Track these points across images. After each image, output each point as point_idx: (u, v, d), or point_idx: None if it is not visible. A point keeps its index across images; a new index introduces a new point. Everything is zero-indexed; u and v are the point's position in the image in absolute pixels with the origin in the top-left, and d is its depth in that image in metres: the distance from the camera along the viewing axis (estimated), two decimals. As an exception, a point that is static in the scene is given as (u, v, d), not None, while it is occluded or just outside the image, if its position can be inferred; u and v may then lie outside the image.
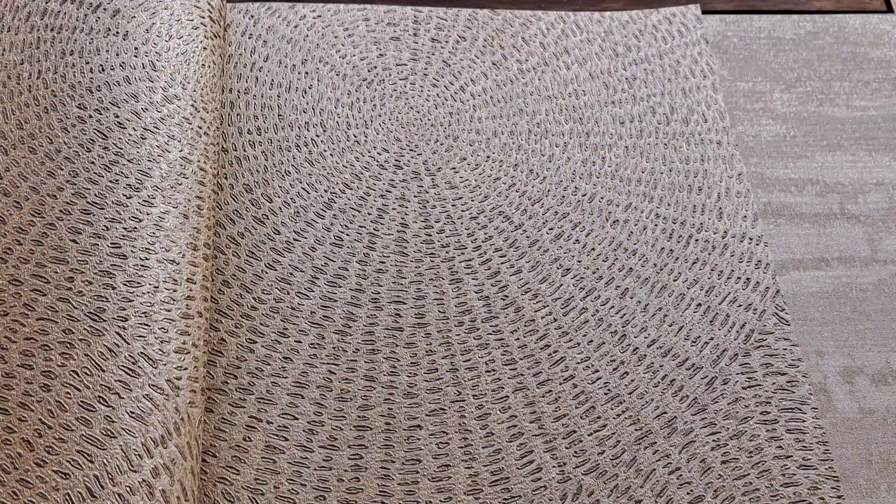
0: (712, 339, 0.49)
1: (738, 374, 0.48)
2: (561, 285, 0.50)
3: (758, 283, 0.50)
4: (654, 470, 0.45)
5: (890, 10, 0.62)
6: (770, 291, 0.50)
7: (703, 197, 0.53)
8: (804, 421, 0.47)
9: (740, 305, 0.49)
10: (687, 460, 0.45)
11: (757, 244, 0.51)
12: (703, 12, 0.61)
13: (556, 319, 0.49)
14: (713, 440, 0.46)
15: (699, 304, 0.49)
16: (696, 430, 0.46)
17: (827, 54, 0.60)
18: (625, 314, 0.49)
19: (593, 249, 0.51)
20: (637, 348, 0.48)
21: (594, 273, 0.50)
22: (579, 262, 0.51)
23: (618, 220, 0.52)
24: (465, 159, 0.54)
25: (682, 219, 0.52)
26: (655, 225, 0.52)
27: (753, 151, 0.56)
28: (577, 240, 0.51)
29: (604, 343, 0.48)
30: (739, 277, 0.50)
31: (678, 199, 0.53)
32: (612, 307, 0.49)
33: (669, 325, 0.49)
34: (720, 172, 0.53)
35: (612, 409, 0.47)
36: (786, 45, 0.60)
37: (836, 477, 0.45)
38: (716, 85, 0.57)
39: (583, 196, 0.53)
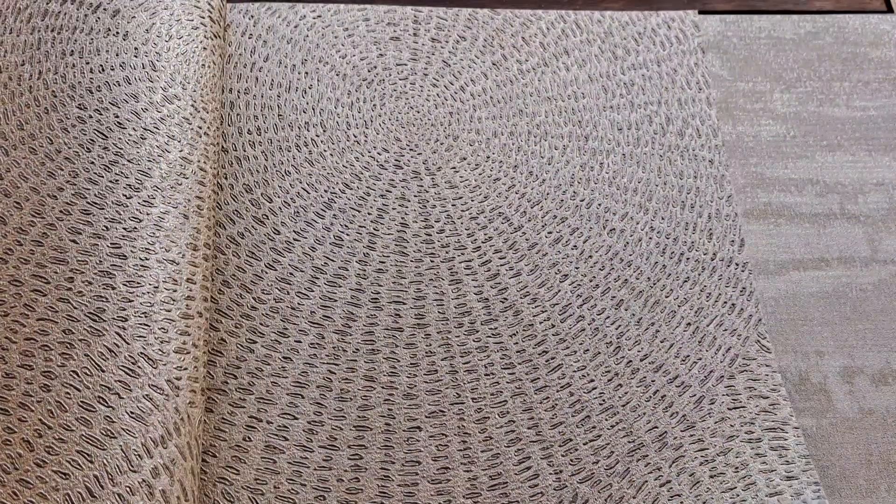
0: (700, 359, 0.49)
1: (724, 395, 0.48)
2: (559, 291, 0.50)
3: (742, 309, 0.50)
4: (647, 482, 0.45)
5: (890, 10, 0.62)
6: (753, 319, 0.50)
7: (694, 215, 0.53)
8: (786, 440, 0.47)
9: (726, 329, 0.49)
10: (677, 474, 0.45)
11: (742, 270, 0.51)
12: (703, 12, 0.61)
13: (553, 325, 0.49)
14: (701, 456, 0.46)
15: (689, 324, 0.49)
16: (686, 445, 0.46)
17: (827, 54, 0.60)
18: (619, 326, 0.49)
19: (590, 257, 0.51)
20: (630, 361, 0.48)
21: (591, 281, 0.50)
22: (577, 268, 0.51)
23: (614, 229, 0.52)
24: (465, 159, 0.54)
25: (674, 234, 0.52)
26: (650, 238, 0.52)
27: (753, 151, 0.56)
28: (574, 245, 0.51)
29: (599, 353, 0.48)
30: (726, 302, 0.50)
31: (672, 214, 0.53)
32: (608, 318, 0.49)
33: (661, 342, 0.49)
34: (711, 192, 0.53)
35: (606, 419, 0.47)
36: (786, 45, 0.60)
37: (817, 482, 0.45)
38: (710, 99, 0.57)
39: (581, 201, 0.53)
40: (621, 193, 0.53)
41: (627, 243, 0.52)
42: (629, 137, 0.55)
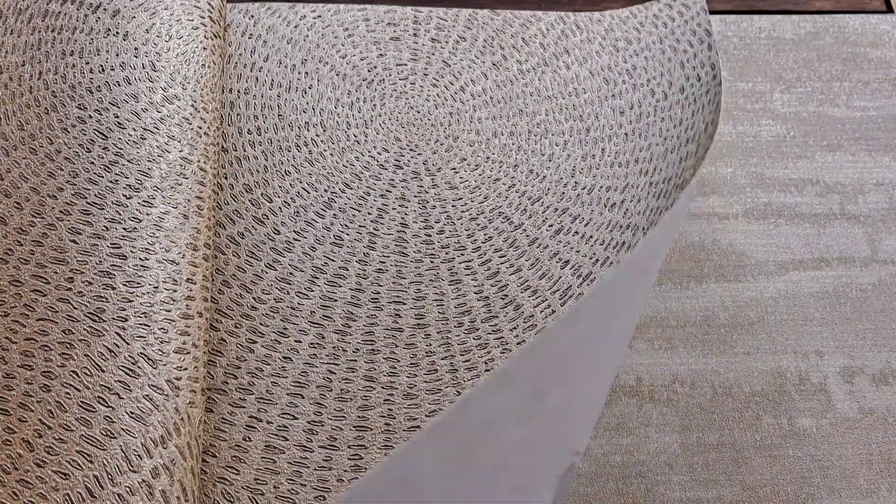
0: None
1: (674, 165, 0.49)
2: (560, 277, 0.50)
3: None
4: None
5: (890, 10, 0.62)
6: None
7: (692, 145, 0.52)
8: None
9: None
10: None
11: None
12: (704, 12, 0.61)
13: (554, 311, 0.49)
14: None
15: None
16: None
17: (827, 54, 0.60)
18: None
19: (591, 237, 0.51)
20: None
21: (591, 258, 0.50)
22: (577, 251, 0.51)
23: (615, 203, 0.52)
24: (465, 160, 0.54)
25: (671, 175, 0.52)
26: (648, 192, 0.52)
27: (753, 152, 0.56)
28: (575, 231, 0.51)
29: None
30: None
31: (669, 161, 0.52)
32: None
33: None
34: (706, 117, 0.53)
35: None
36: (786, 45, 0.60)
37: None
38: (712, 44, 0.56)
39: (582, 189, 0.53)
40: (622, 169, 0.53)
41: (627, 209, 0.51)
42: (631, 117, 0.55)
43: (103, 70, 0.50)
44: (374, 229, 0.52)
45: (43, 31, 0.51)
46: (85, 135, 0.48)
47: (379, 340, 0.48)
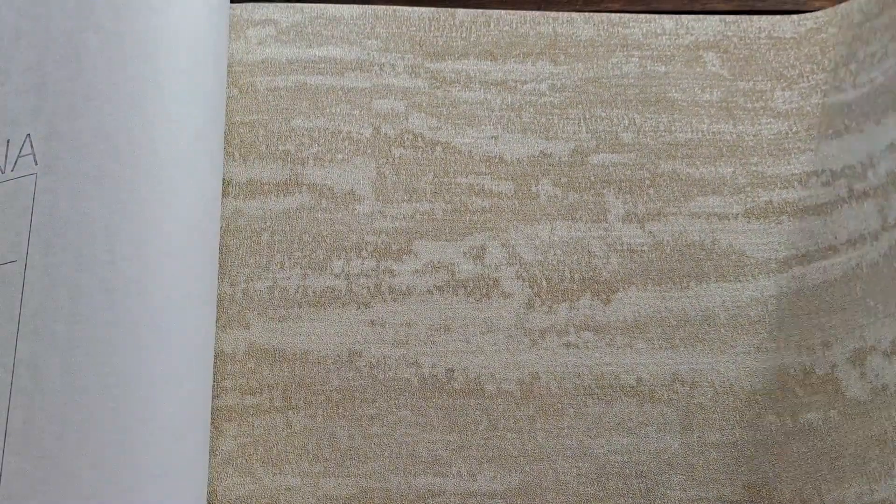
0: None
1: None
2: None
3: None
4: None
5: None
6: None
7: None
8: None
9: None
10: None
11: None
12: (703, 13, 0.61)
13: None
14: None
15: None
16: None
17: (831, 45, 0.59)
18: None
19: None
20: None
21: None
22: None
23: None
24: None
25: None
26: None
27: (754, 151, 0.56)
28: None
29: None
30: None
31: None
32: None
33: None
34: None
35: None
36: (786, 44, 0.60)
37: None
38: None
39: None
40: None
41: None
42: None
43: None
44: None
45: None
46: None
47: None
